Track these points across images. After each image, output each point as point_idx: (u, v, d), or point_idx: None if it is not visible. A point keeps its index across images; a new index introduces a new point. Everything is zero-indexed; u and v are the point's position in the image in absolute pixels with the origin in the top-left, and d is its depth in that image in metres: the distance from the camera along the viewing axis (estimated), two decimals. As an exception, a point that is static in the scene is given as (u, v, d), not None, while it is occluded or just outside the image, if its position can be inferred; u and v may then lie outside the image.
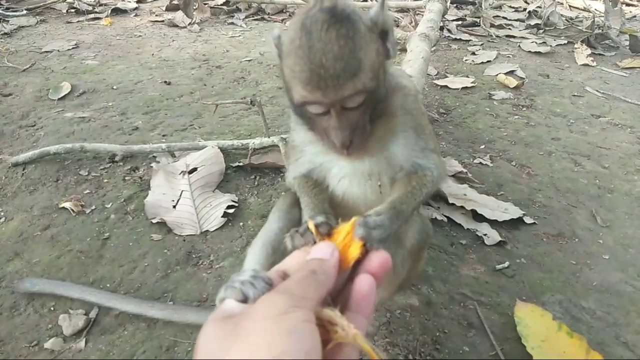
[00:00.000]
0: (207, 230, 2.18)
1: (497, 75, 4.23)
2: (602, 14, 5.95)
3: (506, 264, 2.05)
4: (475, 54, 4.86)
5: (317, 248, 0.83)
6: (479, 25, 5.86)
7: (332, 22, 0.98)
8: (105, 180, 2.46)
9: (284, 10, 6.05)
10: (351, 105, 1.03)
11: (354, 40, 1.00)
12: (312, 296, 0.69)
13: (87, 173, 2.50)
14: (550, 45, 5.26)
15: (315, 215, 1.13)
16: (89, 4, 5.64)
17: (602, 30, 5.47)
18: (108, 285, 1.88)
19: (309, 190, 1.32)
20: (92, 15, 5.39)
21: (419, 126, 1.29)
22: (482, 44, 5.25)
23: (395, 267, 1.44)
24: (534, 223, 2.31)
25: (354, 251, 0.84)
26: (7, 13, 5.04)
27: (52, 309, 1.76)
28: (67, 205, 2.24)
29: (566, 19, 6.07)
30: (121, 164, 2.59)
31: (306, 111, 1.08)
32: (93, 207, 2.27)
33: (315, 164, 1.33)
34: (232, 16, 5.80)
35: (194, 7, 5.59)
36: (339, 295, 0.80)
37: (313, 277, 0.73)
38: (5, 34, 4.53)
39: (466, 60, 4.69)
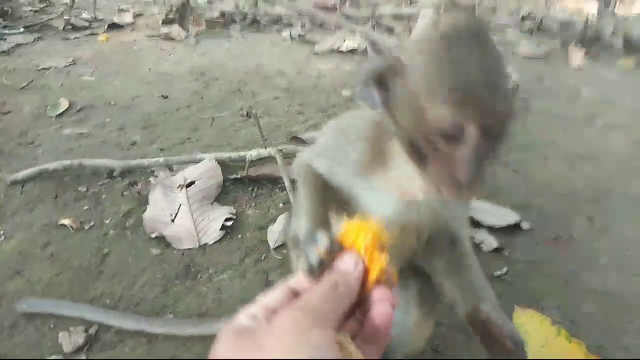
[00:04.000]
0: (206, 244, 2.19)
1: (492, 80, 4.24)
2: (596, 16, 6.00)
3: (504, 270, 2.05)
4: (471, 60, 4.88)
5: (341, 261, 0.76)
6: (474, 31, 5.89)
7: (483, 34, 0.90)
8: (104, 196, 2.47)
9: (279, 22, 6.09)
10: (495, 132, 0.89)
11: (503, 63, 0.90)
12: (334, 313, 0.66)
13: (86, 189, 2.52)
14: (545, 49, 5.29)
15: (313, 232, 1.06)
16: (85, 20, 5.68)
17: (596, 32, 5.50)
18: (108, 301, 1.89)
19: (314, 187, 1.19)
20: (88, 32, 5.42)
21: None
22: (477, 50, 5.27)
23: (408, 331, 1.41)
24: (532, 229, 2.32)
25: (379, 264, 0.75)
26: (5, 31, 5.07)
27: (52, 326, 1.77)
28: (66, 222, 2.26)
29: (560, 22, 6.11)
30: (120, 179, 2.60)
31: (430, 134, 0.90)
32: (92, 224, 2.28)
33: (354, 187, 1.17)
34: (229, 28, 5.84)
35: (190, 21, 5.63)
36: (352, 315, 0.75)
37: (335, 292, 0.70)
38: (4, 52, 4.55)
39: (461, 66, 4.70)
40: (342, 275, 0.73)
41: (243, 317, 0.67)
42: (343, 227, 0.81)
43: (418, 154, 0.96)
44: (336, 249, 0.79)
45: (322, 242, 0.79)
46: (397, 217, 1.15)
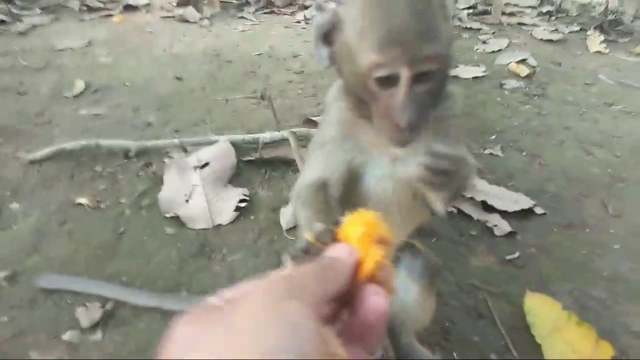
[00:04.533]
0: (219, 224, 2.21)
1: (508, 64, 4.20)
2: (616, 0, 5.87)
3: (516, 255, 2.06)
4: (486, 43, 4.82)
5: (333, 248, 0.68)
6: (490, 14, 5.81)
7: None
8: (120, 176, 2.51)
9: (293, 3, 6.05)
10: (425, 69, 0.92)
11: (434, 7, 0.93)
12: (315, 290, 0.55)
13: (102, 169, 2.55)
14: (563, 33, 5.20)
15: (311, 221, 1.04)
16: (100, 1, 5.69)
17: (616, 16, 5.39)
18: (124, 278, 1.93)
19: (315, 203, 1.14)
20: (104, 12, 5.43)
21: (459, 136, 1.19)
22: (493, 33, 5.21)
23: (410, 308, 1.41)
24: (545, 213, 2.31)
25: (374, 257, 0.66)
26: (21, 12, 5.11)
27: (69, 302, 1.81)
28: (83, 201, 2.30)
29: (579, 5, 5.99)
30: (135, 159, 2.63)
31: (369, 84, 0.95)
32: (108, 203, 2.32)
33: (350, 163, 1.17)
34: (242, 10, 5.81)
35: (204, 2, 5.62)
36: (338, 316, 0.65)
37: (322, 271, 0.59)
38: (20, 33, 4.58)
39: (477, 49, 4.66)
40: (332, 260, 0.63)
41: (213, 298, 0.54)
42: (342, 221, 0.73)
43: (363, 105, 1.01)
44: (329, 237, 0.72)
45: (316, 228, 0.74)
46: (393, 181, 1.16)
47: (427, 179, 0.92)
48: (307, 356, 0.45)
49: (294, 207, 1.24)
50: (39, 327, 1.72)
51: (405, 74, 0.91)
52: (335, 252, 0.66)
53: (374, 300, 0.61)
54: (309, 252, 0.72)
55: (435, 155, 0.91)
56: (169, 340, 0.47)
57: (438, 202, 1.14)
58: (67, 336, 1.68)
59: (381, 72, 0.92)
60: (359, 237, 0.68)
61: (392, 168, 1.15)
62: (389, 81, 0.93)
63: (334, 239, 0.71)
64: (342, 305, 0.64)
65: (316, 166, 1.20)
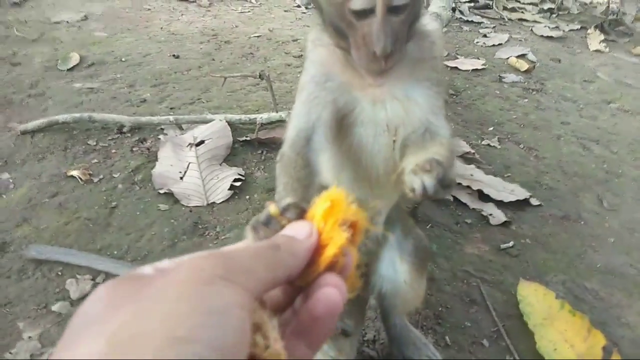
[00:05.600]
0: (213, 202, 2.19)
1: (508, 58, 4.19)
2: (617, 0, 5.87)
3: (511, 244, 2.05)
4: (487, 37, 4.81)
5: (293, 225, 0.61)
6: (492, 8, 5.79)
7: None
8: (113, 151, 2.47)
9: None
10: (398, 3, 0.96)
11: None
12: (260, 273, 0.48)
13: (95, 143, 2.51)
14: (563, 30, 5.19)
15: (283, 197, 1.02)
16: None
17: (617, 16, 5.39)
18: (115, 252, 1.90)
19: (293, 171, 1.12)
20: (101, -12, 5.36)
21: (439, 81, 1.17)
22: (494, 27, 5.19)
23: (400, 289, 1.39)
24: (540, 205, 2.31)
25: (338, 241, 0.58)
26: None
27: (59, 273, 1.79)
28: (75, 173, 2.26)
29: (580, 4, 5.99)
30: (129, 135, 2.59)
31: (345, 14, 0.98)
32: (101, 177, 2.28)
33: (335, 104, 1.14)
34: (242, -8, 5.74)
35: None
36: (288, 305, 0.59)
37: (273, 252, 0.52)
38: (15, 3, 4.49)
39: (477, 42, 4.64)
40: (288, 239, 0.57)
41: (147, 266, 0.47)
42: (315, 201, 0.66)
43: (342, 39, 1.05)
44: (294, 213, 0.65)
45: (283, 200, 0.67)
46: (375, 125, 1.14)
47: (421, 194, 0.93)
48: (222, 351, 0.39)
49: (276, 173, 1.19)
50: (27, 298, 1.69)
51: (380, 4, 0.95)
52: (294, 230, 0.59)
53: (327, 292, 0.54)
54: (269, 226, 0.66)
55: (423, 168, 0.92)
56: (80, 309, 0.42)
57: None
58: (56, 307, 1.65)
59: (357, 5, 0.96)
60: (324, 216, 0.61)
61: (373, 111, 1.13)
62: (365, 13, 0.97)
63: (300, 216, 0.64)
64: (298, 291, 0.58)
65: (299, 114, 1.16)
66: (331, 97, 1.13)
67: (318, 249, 0.58)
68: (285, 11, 5.21)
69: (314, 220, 0.61)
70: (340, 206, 0.62)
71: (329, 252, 0.57)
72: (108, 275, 1.77)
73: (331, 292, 0.54)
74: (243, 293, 0.44)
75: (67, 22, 4.21)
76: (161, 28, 4.31)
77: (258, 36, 4.32)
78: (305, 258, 0.56)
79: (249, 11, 5.10)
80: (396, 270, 1.37)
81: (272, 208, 0.66)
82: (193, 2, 5.17)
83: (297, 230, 0.59)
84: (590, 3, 6.29)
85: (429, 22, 1.23)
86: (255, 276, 0.47)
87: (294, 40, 4.28)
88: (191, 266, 0.44)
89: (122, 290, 0.42)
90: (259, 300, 0.49)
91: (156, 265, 0.46)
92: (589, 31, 5.10)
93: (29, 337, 1.55)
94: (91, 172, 2.30)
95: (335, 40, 1.09)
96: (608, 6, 5.49)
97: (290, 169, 1.11)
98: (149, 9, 4.83)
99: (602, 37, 4.92)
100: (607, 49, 4.70)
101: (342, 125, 1.16)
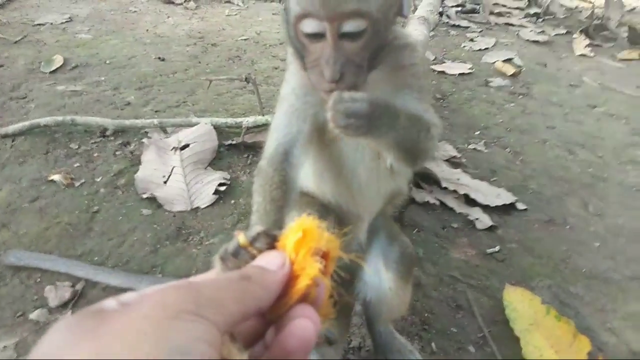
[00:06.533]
0: (197, 207, 2.16)
1: (494, 62, 4.21)
2: (602, 6, 5.93)
3: (497, 248, 2.05)
4: (474, 41, 4.82)
5: (264, 256, 0.59)
6: (478, 12, 5.82)
7: None
8: (96, 154, 2.43)
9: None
10: (350, 30, 0.94)
11: None
12: (229, 306, 0.46)
13: (77, 146, 2.47)
14: (549, 35, 5.23)
15: (253, 225, 0.99)
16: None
17: (601, 21, 5.44)
18: (96, 258, 1.86)
19: (268, 189, 1.11)
20: (86, -11, 5.30)
21: (422, 88, 1.16)
22: (480, 31, 5.21)
23: (385, 296, 1.38)
24: (526, 209, 2.31)
25: (310, 271, 0.57)
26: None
27: (38, 280, 1.75)
28: (56, 177, 2.21)
29: (566, 9, 6.04)
30: (112, 138, 2.55)
31: (300, 34, 0.98)
32: (83, 181, 2.24)
33: (315, 118, 1.13)
34: (230, -5, 5.71)
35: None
36: (259, 338, 0.57)
37: (243, 283, 0.51)
38: (-3, 5, 4.45)
39: (464, 46, 4.66)
40: (259, 270, 0.55)
41: (110, 300, 0.45)
42: (286, 229, 0.64)
43: (300, 58, 1.04)
44: (264, 242, 0.63)
45: (252, 229, 0.66)
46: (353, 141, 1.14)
47: (337, 122, 0.91)
48: None
49: (253, 188, 1.18)
50: (4, 305, 1.65)
51: (329, 30, 0.93)
52: (266, 261, 0.57)
53: (300, 325, 0.52)
54: (238, 256, 0.64)
55: (346, 97, 0.90)
56: (39, 346, 0.40)
57: (389, 159, 1.14)
58: (34, 315, 1.61)
59: (308, 28, 0.95)
60: (295, 246, 0.59)
61: None
62: (317, 37, 0.96)
63: (270, 245, 0.62)
64: (269, 322, 0.56)
65: (279, 125, 1.15)
66: (312, 111, 1.13)
67: (290, 279, 0.57)
68: (273, 14, 5.19)
69: (285, 249, 0.60)
70: (312, 235, 0.60)
71: (302, 284, 0.56)
72: (88, 282, 1.73)
73: (304, 324, 0.52)
74: (210, 328, 0.43)
75: (51, 24, 4.15)
76: (147, 30, 4.27)
77: (245, 39, 4.29)
78: (277, 290, 0.54)
79: (236, 14, 5.08)
80: (381, 278, 1.36)
81: (241, 238, 0.64)
82: (180, 4, 5.14)
83: (269, 261, 0.57)
84: (576, 8, 6.34)
85: (407, 34, 1.23)
86: (224, 310, 0.45)
87: (281, 44, 4.26)
88: (156, 300, 0.43)
89: (83, 326, 0.41)
90: (228, 333, 0.47)
91: (120, 299, 0.44)
92: (574, 36, 5.14)
93: (4, 346, 1.50)
94: (73, 176, 2.26)
95: (295, 58, 1.08)
96: (593, 11, 5.54)
97: (266, 187, 1.11)
98: (135, 11, 4.79)
99: (588, 41, 4.96)
100: (593, 54, 4.74)
101: (324, 138, 1.15)
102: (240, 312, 0.47)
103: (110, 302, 0.44)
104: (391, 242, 1.39)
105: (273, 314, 0.55)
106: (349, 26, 0.93)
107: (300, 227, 0.61)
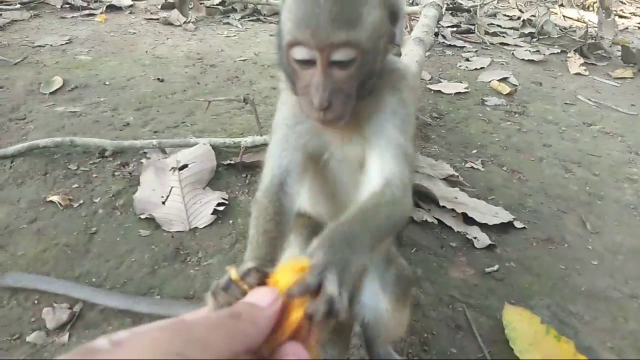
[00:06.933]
0: (196, 227, 2.16)
1: (490, 81, 4.25)
2: (596, 25, 6.02)
3: (495, 267, 2.05)
4: (469, 60, 4.88)
5: (255, 292, 0.60)
6: (474, 33, 5.89)
7: None
8: (94, 175, 2.43)
9: (280, 13, 6.04)
10: (340, 59, 0.95)
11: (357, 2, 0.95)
12: (219, 347, 0.47)
13: (76, 167, 2.47)
14: (544, 54, 5.29)
15: (246, 260, 0.98)
16: (83, 0, 5.61)
17: (595, 40, 5.51)
18: (94, 279, 1.85)
19: (262, 221, 1.09)
20: (86, 12, 5.36)
21: (406, 117, 1.13)
22: (476, 51, 5.28)
23: (383, 318, 1.38)
24: (524, 227, 2.32)
25: (301, 308, 0.58)
26: (1, 7, 5.00)
27: (35, 302, 1.74)
28: (54, 198, 2.22)
29: (560, 29, 6.12)
30: (111, 159, 2.56)
31: (292, 60, 0.99)
32: (81, 202, 2.24)
33: (307, 147, 1.14)
34: (228, 16, 5.78)
35: (190, 6, 5.58)
36: None
37: (233, 321, 0.51)
38: (-2, 27, 4.49)
39: (460, 66, 4.71)
40: (249, 307, 0.56)
41: (101, 339, 0.47)
42: (278, 266, 0.66)
43: (291, 84, 1.06)
44: (255, 279, 0.64)
45: (244, 265, 0.65)
46: (348, 164, 1.16)
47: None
48: None
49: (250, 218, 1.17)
50: (1, 328, 1.63)
51: (319, 58, 0.95)
52: (256, 297, 0.58)
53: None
54: (229, 291, 0.65)
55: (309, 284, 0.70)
56: None
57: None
58: (31, 337, 1.60)
59: (299, 55, 0.97)
60: (288, 285, 0.60)
61: (343, 151, 1.14)
62: (308, 63, 0.97)
63: (261, 281, 0.63)
64: (261, 358, 0.56)
65: (273, 156, 1.16)
66: (302, 142, 1.14)
67: (282, 313, 0.57)
68: (270, 35, 5.25)
69: (277, 285, 0.61)
70: (303, 273, 0.62)
71: (293, 321, 0.57)
72: (86, 304, 1.73)
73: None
74: None
75: (51, 45, 4.19)
76: (146, 51, 4.31)
77: (244, 60, 4.34)
78: (268, 326, 0.55)
79: (234, 35, 5.13)
80: (378, 300, 1.36)
81: (232, 273, 0.66)
82: (179, 26, 5.19)
83: (259, 298, 0.57)
84: (570, 27, 6.43)
85: (397, 60, 1.24)
86: (213, 350, 0.46)
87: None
88: (146, 341, 0.44)
89: None
90: None
91: (112, 338, 0.46)
92: (569, 55, 5.20)
93: (2, 370, 1.49)
94: (71, 197, 2.26)
95: (287, 82, 1.09)
96: (587, 31, 5.61)
97: (260, 219, 1.10)
98: (134, 33, 4.84)
99: (582, 60, 5.03)
100: (587, 72, 4.79)
101: (317, 165, 1.17)
102: (229, 351, 0.48)
103: (102, 342, 0.45)
104: (387, 265, 1.40)
105: (266, 347, 0.55)
106: (339, 55, 0.95)
107: (292, 266, 0.63)
